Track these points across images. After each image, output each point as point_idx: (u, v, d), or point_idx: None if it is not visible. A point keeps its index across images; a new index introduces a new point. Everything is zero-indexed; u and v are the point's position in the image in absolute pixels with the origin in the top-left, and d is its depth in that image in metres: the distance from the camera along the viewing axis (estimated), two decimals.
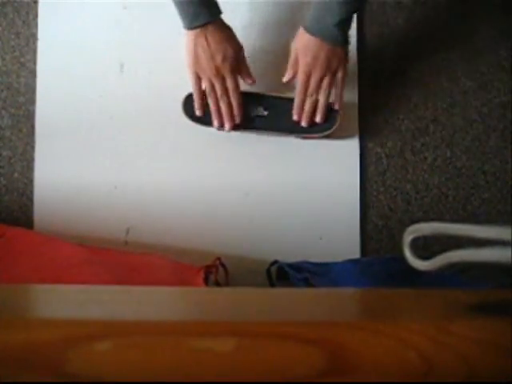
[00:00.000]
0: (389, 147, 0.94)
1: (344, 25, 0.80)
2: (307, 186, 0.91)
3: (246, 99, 0.86)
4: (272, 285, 0.83)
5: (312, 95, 0.84)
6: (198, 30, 0.80)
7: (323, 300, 0.39)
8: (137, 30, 0.92)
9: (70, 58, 0.91)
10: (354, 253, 0.90)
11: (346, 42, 0.82)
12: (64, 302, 0.37)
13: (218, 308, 0.36)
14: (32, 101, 0.91)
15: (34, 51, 0.92)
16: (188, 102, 0.86)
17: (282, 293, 0.44)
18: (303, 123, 0.86)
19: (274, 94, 0.88)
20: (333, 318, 0.32)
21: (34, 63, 0.92)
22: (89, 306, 0.35)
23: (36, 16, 0.92)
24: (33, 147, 0.91)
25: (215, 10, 0.81)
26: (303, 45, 0.82)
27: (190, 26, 0.80)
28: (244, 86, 0.87)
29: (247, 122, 0.87)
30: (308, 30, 0.81)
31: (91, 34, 0.91)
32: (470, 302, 0.34)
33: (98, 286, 0.61)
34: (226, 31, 0.82)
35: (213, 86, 0.84)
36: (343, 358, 0.28)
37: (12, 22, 0.93)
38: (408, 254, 0.35)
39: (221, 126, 0.86)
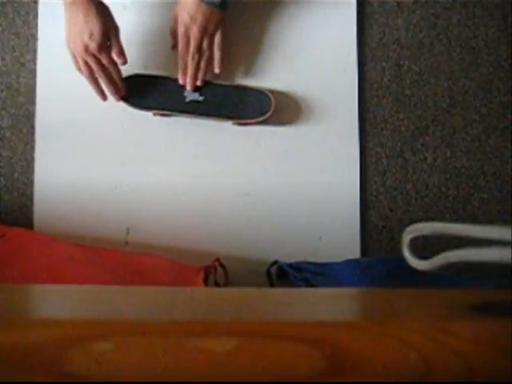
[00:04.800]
0: (389, 147, 0.94)
1: None
2: (307, 186, 0.91)
3: (181, 84, 0.87)
4: (272, 285, 0.83)
5: (193, 58, 0.85)
6: (69, 6, 0.79)
7: (323, 300, 0.39)
8: (137, 30, 0.91)
9: (70, 58, 0.91)
10: (354, 253, 0.90)
11: (223, 5, 0.84)
12: (64, 301, 0.37)
13: (217, 308, 0.36)
14: (32, 101, 0.91)
15: (34, 51, 0.92)
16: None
17: (282, 293, 0.44)
18: (188, 87, 0.87)
19: (209, 79, 0.89)
20: (333, 318, 0.31)
21: (34, 63, 0.92)
22: (89, 306, 0.35)
23: (36, 16, 0.92)
24: (33, 147, 0.91)
25: None
26: (182, 7, 0.83)
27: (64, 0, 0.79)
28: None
29: (182, 106, 0.88)
30: None
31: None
32: (470, 302, 0.34)
33: (97, 286, 0.61)
34: (98, 8, 0.80)
35: (87, 64, 0.83)
36: (343, 358, 0.28)
37: (12, 22, 0.93)
38: (407, 253, 0.35)
39: (104, 100, 0.87)
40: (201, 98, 0.88)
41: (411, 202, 0.93)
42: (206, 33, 0.84)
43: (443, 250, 0.33)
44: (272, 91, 0.90)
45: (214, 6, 0.83)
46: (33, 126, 0.91)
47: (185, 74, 0.86)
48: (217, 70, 0.87)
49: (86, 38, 0.80)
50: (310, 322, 0.30)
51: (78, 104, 0.91)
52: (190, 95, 0.88)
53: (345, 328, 0.29)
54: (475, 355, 0.29)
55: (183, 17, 0.83)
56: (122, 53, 0.85)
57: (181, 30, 0.84)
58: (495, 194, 0.94)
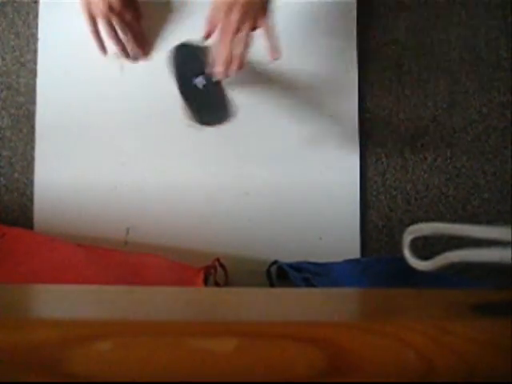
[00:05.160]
0: (389, 147, 0.94)
1: None
2: (307, 186, 0.91)
3: (197, 62, 0.85)
4: (272, 285, 0.83)
5: (231, 42, 0.79)
6: None
7: (323, 300, 0.39)
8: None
9: (70, 57, 0.91)
10: (354, 253, 0.90)
11: None
12: (64, 302, 0.37)
13: (218, 308, 0.36)
14: (32, 101, 0.91)
15: (34, 51, 0.92)
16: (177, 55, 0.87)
17: (282, 293, 0.44)
18: (219, 73, 0.79)
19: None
20: (333, 318, 0.31)
21: (34, 63, 0.92)
22: (89, 306, 0.35)
23: (36, 16, 0.92)
24: (33, 147, 0.91)
25: None
26: None
27: None
28: None
29: (185, 83, 0.87)
30: None
31: (91, 34, 0.91)
32: (470, 302, 0.34)
33: (97, 285, 0.61)
34: None
35: (110, 23, 0.83)
36: (343, 358, 0.28)
37: (12, 22, 0.93)
38: (408, 254, 0.35)
39: (127, 56, 0.87)
40: (201, 86, 0.86)
41: (411, 202, 0.93)
42: (246, 17, 0.78)
43: (443, 250, 0.33)
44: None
45: None
46: (33, 126, 0.91)
47: (219, 59, 0.79)
48: (271, 57, 0.80)
49: None
50: (309, 322, 0.30)
51: (78, 104, 0.91)
52: (198, 79, 0.86)
53: (345, 328, 0.29)
54: (475, 355, 0.29)
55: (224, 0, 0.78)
56: (139, 13, 0.84)
57: (221, 13, 0.78)
58: (495, 194, 0.94)
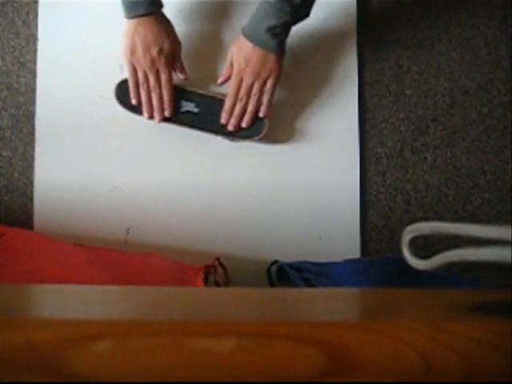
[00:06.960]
0: (389, 147, 0.94)
1: (277, 32, 0.81)
2: (307, 186, 0.91)
3: (178, 94, 0.87)
4: (272, 285, 0.83)
5: (242, 100, 0.86)
6: (137, 20, 0.81)
7: (323, 300, 0.39)
8: None
9: (70, 58, 0.91)
10: (354, 253, 0.90)
11: (279, 49, 0.84)
12: (64, 301, 0.37)
13: (217, 308, 0.36)
14: (32, 101, 0.91)
15: (34, 51, 0.92)
16: (121, 89, 0.87)
17: (282, 293, 0.44)
18: (230, 127, 0.87)
19: (207, 92, 0.89)
20: (333, 318, 0.31)
21: (34, 63, 0.92)
22: (89, 306, 0.35)
23: (36, 16, 0.92)
24: (33, 147, 0.91)
25: (156, 2, 0.82)
26: (238, 48, 0.85)
27: (130, 15, 0.81)
28: (178, 81, 0.88)
29: (177, 116, 0.88)
30: (243, 33, 0.83)
31: (91, 35, 0.91)
32: (470, 302, 0.34)
33: (97, 286, 0.61)
34: (166, 25, 0.84)
35: (146, 78, 0.85)
36: (343, 358, 0.28)
37: (12, 22, 0.93)
38: (406, 253, 0.35)
39: (150, 118, 0.87)
40: (196, 110, 0.88)
41: (411, 202, 0.93)
42: (258, 77, 0.84)
43: (443, 249, 0.33)
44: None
45: (269, 51, 0.83)
46: (33, 126, 0.91)
47: (229, 114, 0.87)
48: (261, 115, 0.87)
49: (154, 54, 0.82)
50: (309, 322, 0.30)
51: (78, 104, 0.91)
52: (186, 105, 0.88)
53: (345, 328, 0.29)
54: (475, 355, 0.29)
55: (238, 59, 0.84)
56: (184, 70, 0.87)
57: (235, 71, 0.85)
58: (495, 194, 0.94)
